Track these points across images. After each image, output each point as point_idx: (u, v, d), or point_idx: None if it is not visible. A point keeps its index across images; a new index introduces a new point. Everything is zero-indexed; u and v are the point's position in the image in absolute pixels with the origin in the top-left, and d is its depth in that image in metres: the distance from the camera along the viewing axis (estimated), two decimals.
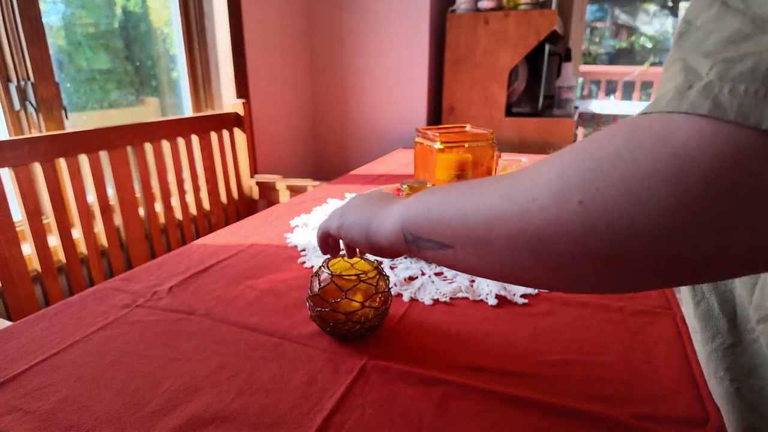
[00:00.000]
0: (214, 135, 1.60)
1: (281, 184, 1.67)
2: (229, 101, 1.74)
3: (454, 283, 0.67)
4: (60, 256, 1.16)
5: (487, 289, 0.65)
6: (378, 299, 0.53)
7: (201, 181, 1.56)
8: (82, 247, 1.21)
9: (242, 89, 1.75)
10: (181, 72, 1.68)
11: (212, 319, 0.58)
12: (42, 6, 1.16)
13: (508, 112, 1.93)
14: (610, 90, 3.96)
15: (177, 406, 0.44)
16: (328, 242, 0.52)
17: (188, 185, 1.51)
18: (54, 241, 1.15)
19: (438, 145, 0.82)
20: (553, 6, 2.10)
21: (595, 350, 0.52)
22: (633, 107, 3.26)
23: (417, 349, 0.53)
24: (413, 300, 0.63)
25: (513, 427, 0.42)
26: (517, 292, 0.65)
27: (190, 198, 1.52)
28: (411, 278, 0.69)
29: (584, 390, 0.46)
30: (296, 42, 2.05)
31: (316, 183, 1.60)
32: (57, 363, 0.50)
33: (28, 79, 1.16)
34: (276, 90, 1.97)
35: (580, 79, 3.64)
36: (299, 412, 0.43)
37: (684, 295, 0.45)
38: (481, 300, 0.63)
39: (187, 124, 1.49)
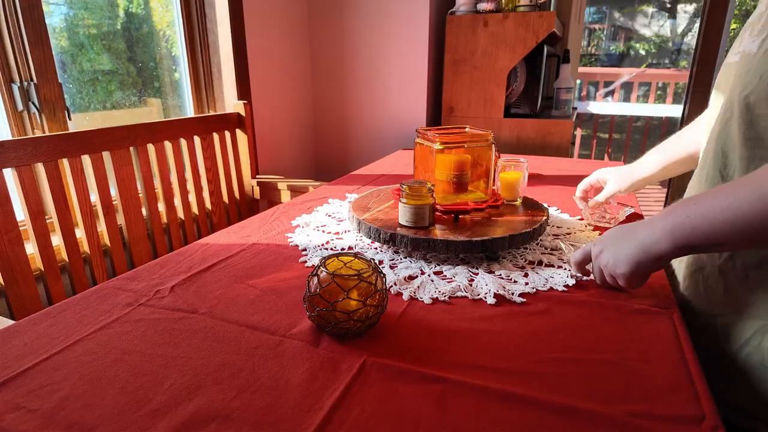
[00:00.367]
0: (216, 136, 1.60)
1: (282, 185, 1.68)
2: (230, 102, 1.75)
3: (453, 282, 0.67)
4: (63, 255, 1.16)
5: (486, 288, 0.66)
6: (377, 297, 0.54)
7: (203, 181, 1.56)
8: (85, 247, 1.21)
9: (244, 90, 1.76)
10: (183, 73, 1.68)
11: (214, 318, 0.59)
12: (45, 7, 1.17)
13: (507, 113, 1.93)
14: (608, 91, 3.96)
15: (179, 404, 0.44)
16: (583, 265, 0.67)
17: (190, 185, 1.52)
18: (57, 240, 1.15)
19: (438, 146, 0.83)
20: (552, 8, 2.11)
21: (593, 349, 0.53)
22: (630, 108, 3.26)
23: (416, 348, 0.53)
24: (413, 299, 0.64)
25: (511, 424, 0.42)
26: (515, 291, 0.65)
27: (192, 198, 1.53)
28: (411, 277, 0.70)
29: (581, 388, 0.46)
30: (297, 44, 2.05)
31: (317, 183, 1.61)
32: (60, 361, 0.50)
33: (31, 80, 1.16)
34: (277, 91, 1.98)
35: (578, 81, 3.64)
36: (300, 410, 0.43)
37: None
38: (480, 299, 0.64)
39: (189, 125, 1.50)
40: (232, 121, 1.68)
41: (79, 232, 1.20)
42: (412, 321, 0.59)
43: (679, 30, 6.19)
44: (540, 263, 0.74)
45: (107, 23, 1.41)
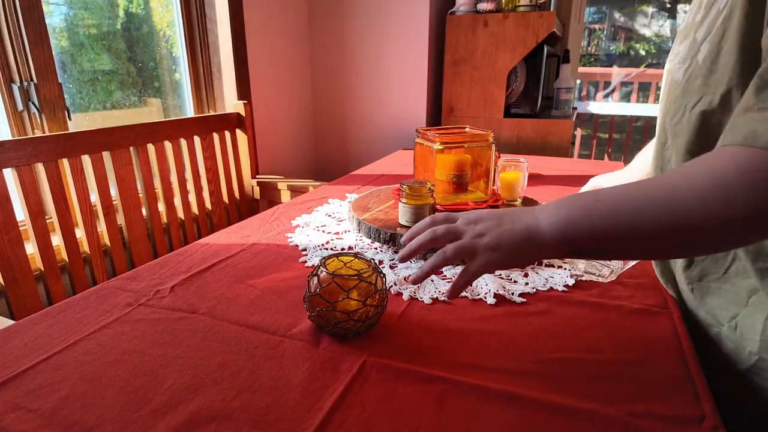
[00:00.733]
0: (216, 136, 1.60)
1: (282, 185, 1.68)
2: (230, 102, 1.75)
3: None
4: (63, 255, 1.16)
5: (486, 288, 0.66)
6: (377, 297, 0.54)
7: (203, 182, 1.56)
8: (85, 247, 1.21)
9: (244, 90, 1.76)
10: (183, 73, 1.68)
11: (214, 318, 0.59)
12: (45, 7, 1.17)
13: (507, 113, 1.93)
14: (608, 91, 3.97)
15: (179, 404, 0.44)
16: (423, 245, 0.51)
17: (190, 185, 1.52)
18: (57, 240, 1.15)
19: (438, 146, 0.83)
20: (552, 8, 2.11)
21: (592, 348, 0.53)
22: (630, 108, 3.26)
23: (416, 348, 0.53)
24: (413, 299, 0.64)
25: (510, 424, 0.42)
26: (515, 291, 0.65)
27: (192, 198, 1.53)
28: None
29: (581, 388, 0.46)
30: (297, 44, 2.06)
31: (317, 183, 1.61)
32: (60, 361, 0.50)
33: (31, 80, 1.16)
34: (277, 91, 1.98)
35: (578, 81, 3.64)
36: (300, 410, 0.43)
37: None
38: (480, 299, 0.64)
39: (189, 125, 1.50)
40: (232, 121, 1.68)
41: (79, 232, 1.20)
42: (412, 321, 0.59)
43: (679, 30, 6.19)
44: (540, 263, 0.74)
45: (107, 23, 1.41)
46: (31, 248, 1.10)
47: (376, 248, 0.81)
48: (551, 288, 0.67)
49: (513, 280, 0.69)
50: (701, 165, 0.41)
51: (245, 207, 1.76)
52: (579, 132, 3.43)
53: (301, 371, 0.49)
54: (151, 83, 1.58)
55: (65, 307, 0.61)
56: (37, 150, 1.09)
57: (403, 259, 0.52)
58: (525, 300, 0.63)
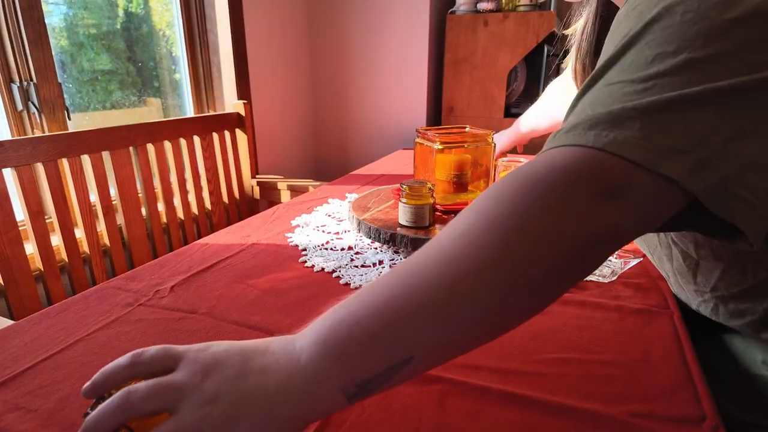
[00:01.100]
0: (215, 135, 1.60)
1: (282, 184, 1.68)
2: (230, 102, 1.75)
3: None
4: (62, 255, 1.16)
5: None
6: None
7: (203, 181, 1.56)
8: (85, 247, 1.21)
9: (243, 90, 1.76)
10: (182, 73, 1.68)
11: (214, 318, 0.59)
12: (45, 7, 1.17)
13: (507, 113, 1.93)
14: None
15: None
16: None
17: (190, 185, 1.52)
18: (56, 240, 1.15)
19: (438, 146, 0.83)
20: (552, 8, 2.11)
21: (593, 349, 0.53)
22: None
23: None
24: None
25: (511, 424, 0.42)
26: None
27: (191, 198, 1.53)
28: None
29: (581, 388, 0.46)
30: (297, 43, 2.05)
31: (317, 183, 1.61)
32: (59, 361, 0.50)
33: (31, 79, 1.16)
34: (277, 91, 1.98)
35: None
36: None
37: None
38: None
39: (188, 125, 1.50)
40: (231, 121, 1.68)
41: (79, 232, 1.20)
42: None
43: None
44: None
45: (107, 23, 1.41)
46: (30, 248, 1.10)
47: (376, 248, 0.81)
48: None
49: None
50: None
51: (245, 207, 1.76)
52: None
53: None
54: (151, 83, 1.58)
55: (65, 308, 0.61)
56: (37, 150, 1.09)
57: None
58: None
